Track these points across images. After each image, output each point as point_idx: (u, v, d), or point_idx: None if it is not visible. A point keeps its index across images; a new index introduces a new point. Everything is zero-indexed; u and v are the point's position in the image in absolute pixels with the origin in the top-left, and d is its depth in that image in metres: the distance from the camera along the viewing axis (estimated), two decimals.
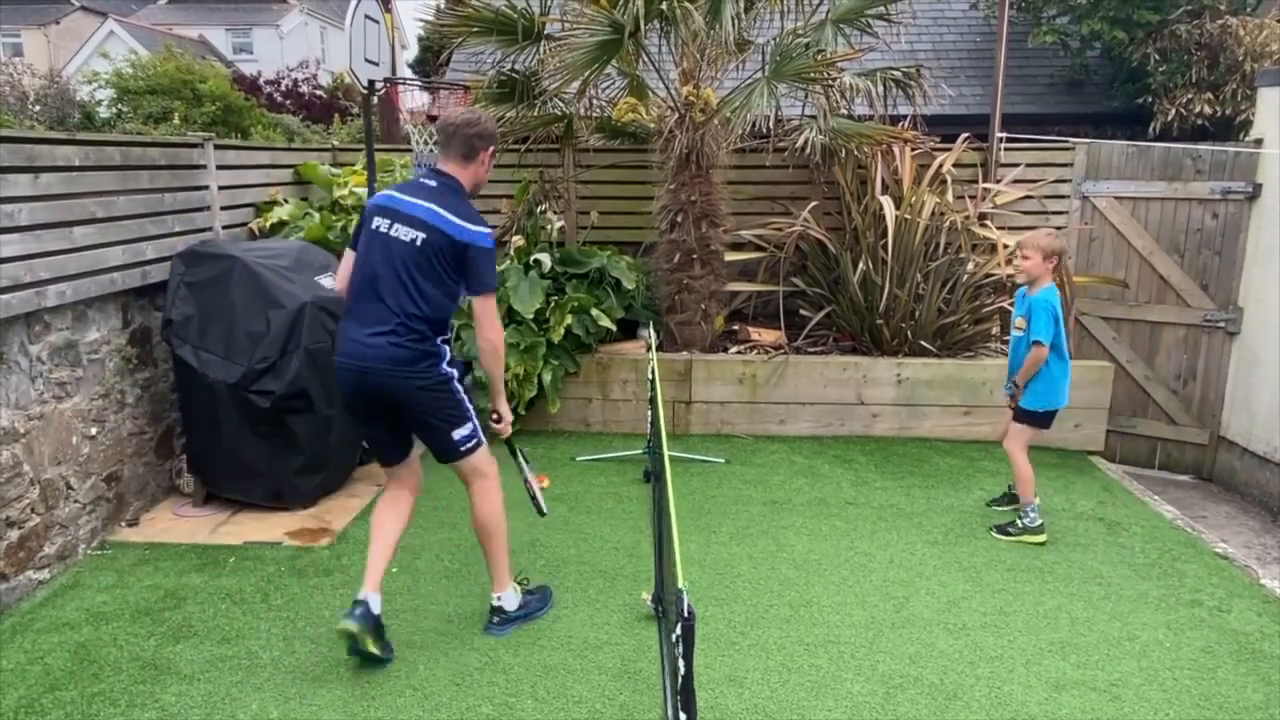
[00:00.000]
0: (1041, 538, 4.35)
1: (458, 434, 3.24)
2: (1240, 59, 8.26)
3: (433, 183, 3.20)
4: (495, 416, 3.45)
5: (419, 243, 3.08)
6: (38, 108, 13.60)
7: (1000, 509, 4.69)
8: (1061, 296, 6.06)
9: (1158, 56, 8.57)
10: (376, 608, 3.18)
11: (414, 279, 3.08)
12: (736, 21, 5.29)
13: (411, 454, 3.43)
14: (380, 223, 3.15)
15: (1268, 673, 3.29)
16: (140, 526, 4.38)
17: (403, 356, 3.09)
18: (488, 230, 3.16)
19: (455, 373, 3.23)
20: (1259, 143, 5.98)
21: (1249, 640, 3.51)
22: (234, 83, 13.89)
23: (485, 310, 3.18)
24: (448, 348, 3.23)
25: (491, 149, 3.30)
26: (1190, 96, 8.41)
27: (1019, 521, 4.42)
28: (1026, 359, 4.31)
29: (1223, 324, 6.15)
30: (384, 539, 3.31)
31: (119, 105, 12.95)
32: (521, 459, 3.78)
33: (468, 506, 3.46)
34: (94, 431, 4.15)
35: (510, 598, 3.51)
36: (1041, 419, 4.42)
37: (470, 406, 3.29)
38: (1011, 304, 5.89)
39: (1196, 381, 6.34)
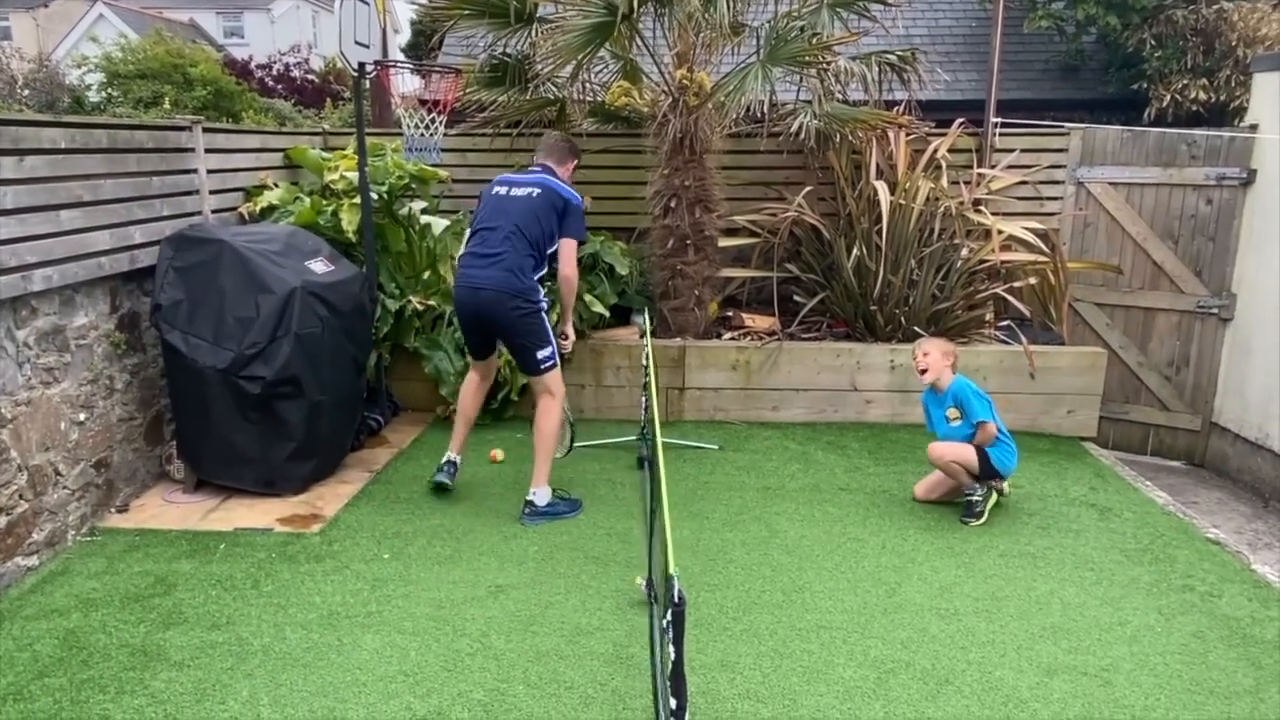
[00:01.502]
0: (994, 499, 4.49)
1: (540, 354, 4.17)
2: (1234, 44, 8.24)
3: (538, 168, 4.38)
4: (564, 335, 4.45)
5: (534, 196, 4.15)
6: (26, 92, 13.48)
7: (972, 522, 4.42)
8: (1055, 282, 6.09)
9: (1153, 42, 8.54)
10: (458, 464, 4.53)
11: (525, 226, 4.09)
12: (731, 4, 5.24)
13: (492, 355, 4.49)
14: (500, 190, 4.25)
15: (1258, 657, 3.30)
16: (130, 513, 4.36)
17: (509, 284, 4.05)
18: (580, 197, 4.29)
19: (545, 305, 4.18)
20: (1254, 128, 5.96)
21: (1239, 625, 3.52)
22: (225, 67, 13.77)
23: (569, 250, 4.21)
24: (541, 287, 4.18)
25: (575, 161, 4.57)
26: (1185, 82, 8.39)
27: (974, 500, 4.42)
28: (977, 439, 4.41)
29: (1216, 310, 6.16)
30: (466, 414, 4.51)
31: (109, 89, 12.84)
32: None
33: (460, 495, 4.34)
34: (82, 417, 4.12)
35: (543, 494, 4.29)
36: (995, 475, 4.48)
37: (552, 335, 4.23)
38: (1006, 291, 5.92)
39: (1189, 368, 6.35)
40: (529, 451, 5.16)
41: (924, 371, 4.54)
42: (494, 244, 4.09)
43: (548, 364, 4.20)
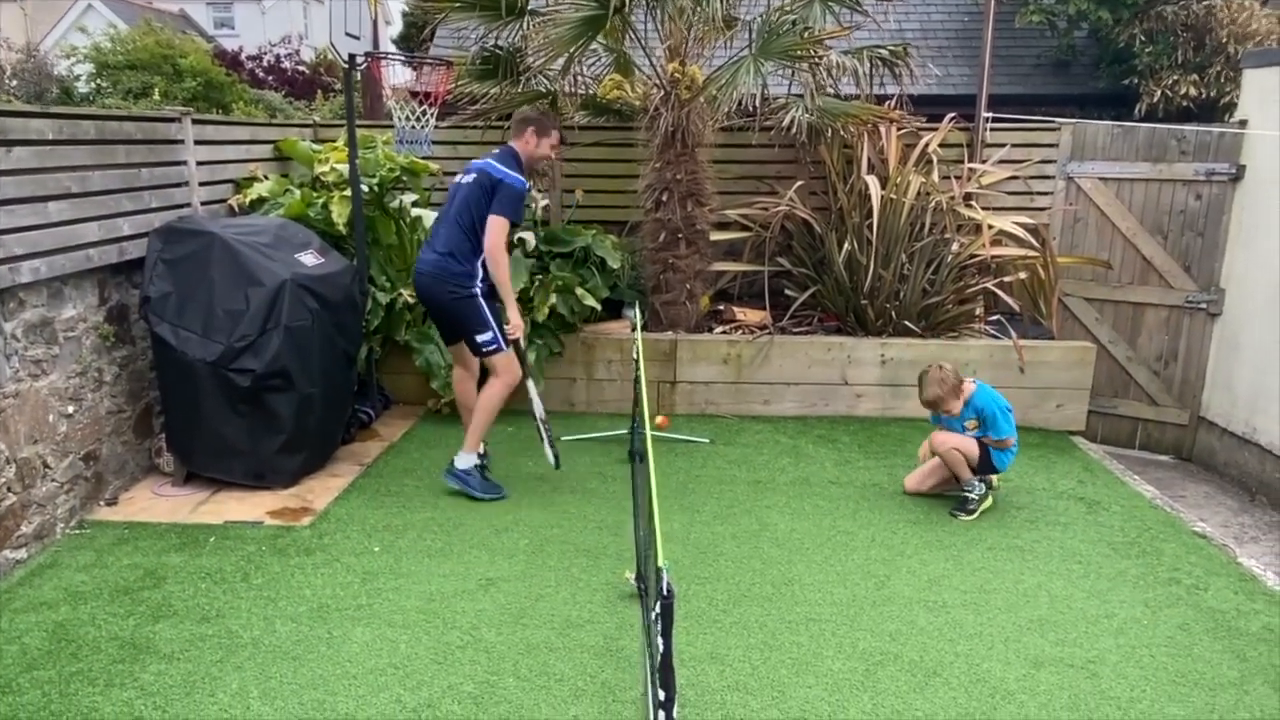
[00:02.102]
0: (989, 501, 4.49)
1: (480, 337, 4.28)
2: (1224, 40, 8.26)
3: (496, 150, 4.37)
4: (507, 321, 4.30)
5: (471, 181, 4.23)
6: (14, 83, 13.35)
7: (962, 517, 4.44)
8: (1045, 277, 6.12)
9: (1144, 37, 8.56)
10: (480, 457, 4.57)
11: (460, 213, 4.20)
12: None
13: (461, 344, 4.49)
14: (458, 179, 4.35)
15: (1243, 650, 3.32)
16: (119, 506, 4.35)
17: (442, 268, 4.20)
18: (522, 178, 4.21)
19: (479, 290, 4.23)
20: (1243, 124, 5.99)
21: (1225, 618, 3.55)
22: (215, 58, 13.68)
23: (492, 226, 4.15)
24: (479, 271, 4.23)
25: (530, 129, 4.33)
26: (1176, 78, 8.41)
27: (970, 497, 4.43)
28: (992, 445, 4.45)
29: (1204, 305, 6.19)
30: (466, 406, 4.61)
31: (98, 80, 12.73)
32: (532, 388, 4.54)
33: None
34: (71, 410, 4.10)
35: (464, 459, 4.48)
36: (992, 470, 4.50)
37: (491, 319, 4.27)
38: (996, 285, 5.94)
39: (1178, 362, 6.39)
40: (518, 445, 5.16)
41: (944, 412, 4.51)
42: (436, 232, 4.34)
43: (489, 347, 4.30)
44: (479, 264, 4.22)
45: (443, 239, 4.23)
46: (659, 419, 5.57)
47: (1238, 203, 6.01)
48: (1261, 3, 8.53)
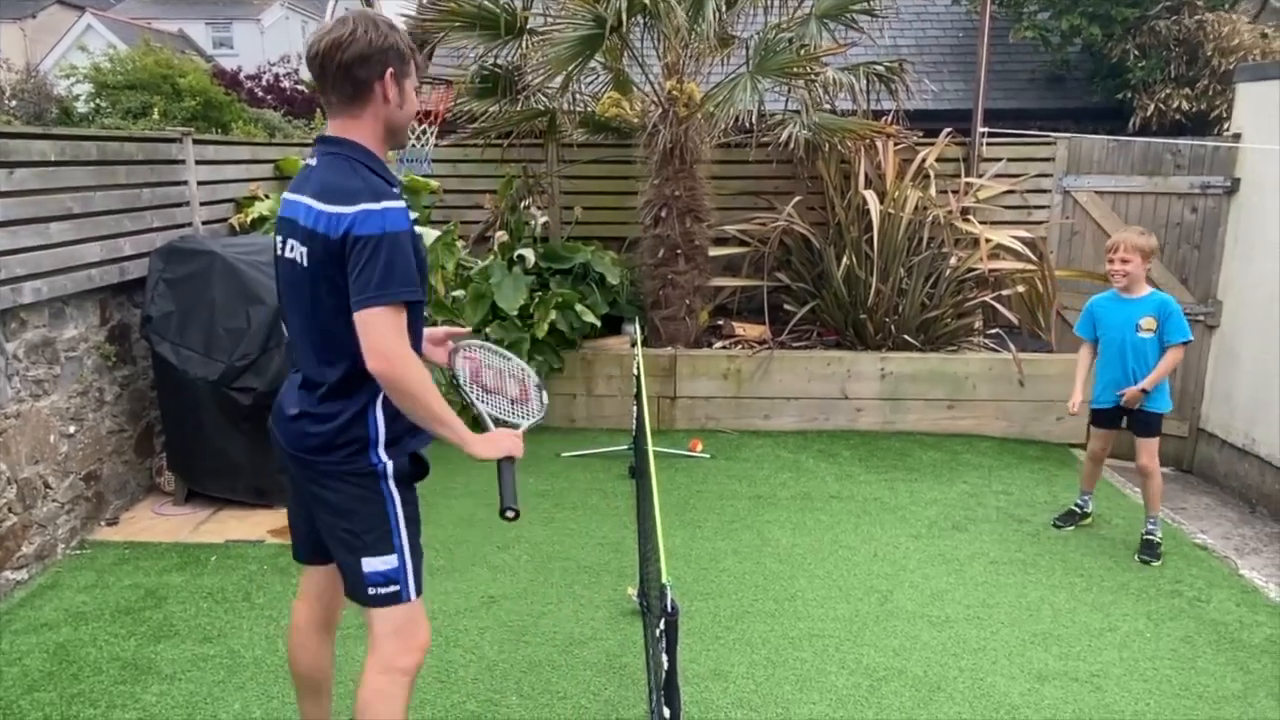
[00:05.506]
0: (1159, 561, 4.14)
1: (369, 565, 2.10)
2: (1210, 54, 8.33)
3: (313, 161, 2.09)
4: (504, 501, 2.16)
5: (304, 261, 2.01)
6: (14, 103, 13.40)
7: (1065, 528, 4.46)
8: (1043, 290, 6.13)
9: (1137, 52, 8.62)
10: None
11: (317, 317, 2.03)
12: (719, 16, 5.28)
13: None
14: (278, 243, 2.13)
15: (1246, 662, 3.32)
16: (120, 525, 4.34)
17: (313, 439, 2.08)
18: (381, 205, 1.93)
19: (389, 465, 2.10)
20: (1237, 138, 6.03)
21: (1228, 630, 3.55)
22: (214, 78, 13.74)
23: (371, 326, 1.92)
24: (381, 421, 2.08)
25: (390, 70, 2.02)
26: (1169, 92, 8.46)
27: (1154, 539, 4.18)
28: (1167, 359, 4.06)
29: (1202, 318, 6.20)
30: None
31: (97, 100, 12.78)
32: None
33: (449, 498, 3.35)
34: (72, 430, 4.10)
35: None
36: (1162, 424, 4.24)
37: (404, 530, 2.13)
38: (994, 299, 5.95)
39: (1176, 374, 6.37)
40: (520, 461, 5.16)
41: (1124, 275, 4.13)
42: (295, 369, 2.32)
43: (382, 588, 2.16)
44: (371, 403, 2.09)
45: (299, 373, 2.16)
46: (692, 442, 5.53)
47: (1233, 215, 6.04)
48: (1250, 19, 8.61)
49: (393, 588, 2.12)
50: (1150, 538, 4.18)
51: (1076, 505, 4.53)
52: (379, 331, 1.92)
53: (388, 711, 2.16)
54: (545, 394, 2.59)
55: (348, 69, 1.99)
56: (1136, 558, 4.15)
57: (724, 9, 5.67)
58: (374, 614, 2.14)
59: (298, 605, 2.40)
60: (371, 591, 2.11)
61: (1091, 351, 4.35)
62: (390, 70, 2.02)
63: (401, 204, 2.00)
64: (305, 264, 2.01)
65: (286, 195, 2.12)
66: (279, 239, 2.12)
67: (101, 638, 3.34)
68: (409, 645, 2.17)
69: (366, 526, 2.10)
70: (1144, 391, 4.10)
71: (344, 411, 2.07)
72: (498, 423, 2.35)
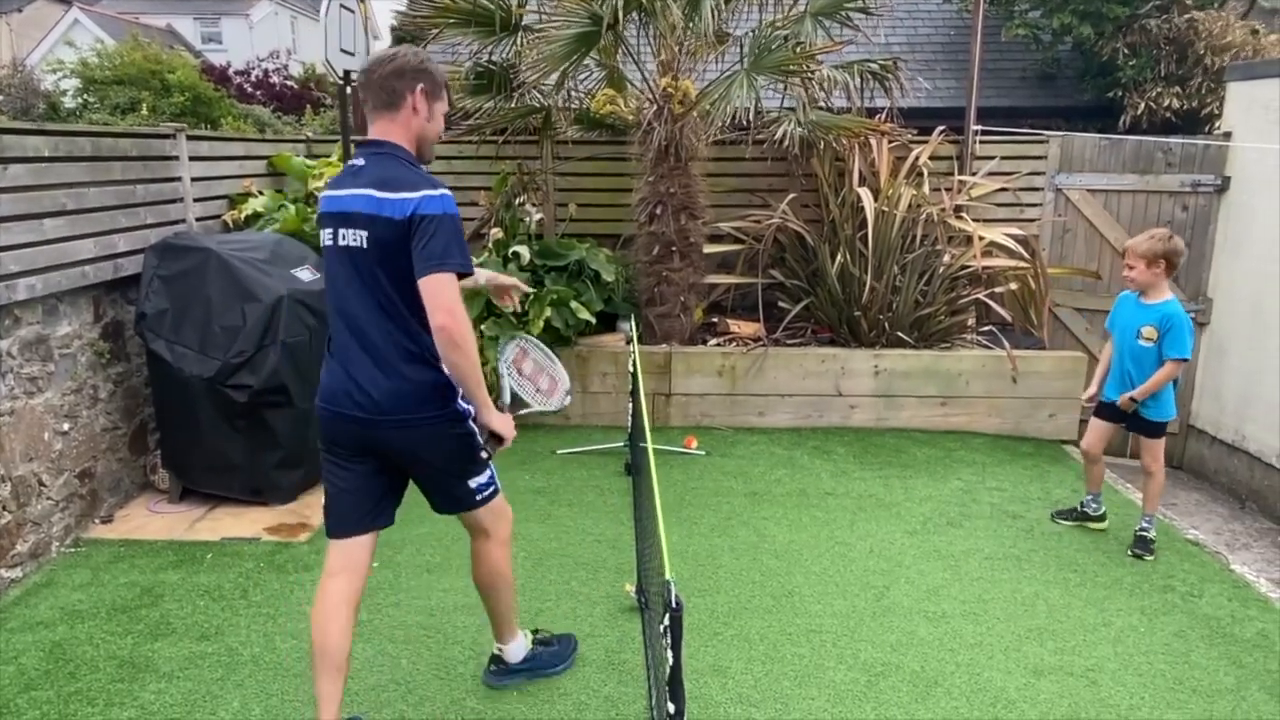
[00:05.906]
0: (1152, 557, 4.17)
1: (475, 482, 2.71)
2: (1202, 53, 8.39)
3: (360, 161, 2.48)
4: (486, 441, 2.63)
5: (366, 244, 2.40)
6: (1, 98, 13.29)
7: (1065, 523, 4.50)
8: (1036, 287, 6.16)
9: (1127, 51, 8.68)
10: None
11: (386, 293, 2.42)
12: (715, 14, 5.28)
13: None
14: (326, 235, 2.50)
15: (1238, 656, 3.35)
16: (115, 523, 4.32)
17: (409, 399, 2.49)
18: (439, 192, 2.37)
19: (470, 409, 2.59)
20: (1228, 136, 6.08)
21: (1220, 624, 3.58)
22: (203, 73, 13.65)
23: (437, 288, 2.32)
24: (453, 378, 2.54)
25: (421, 86, 2.47)
26: (1159, 90, 8.53)
27: (1148, 535, 4.22)
28: (1161, 373, 4.05)
29: (1193, 315, 6.26)
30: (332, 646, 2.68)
31: (85, 95, 12.68)
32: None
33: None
34: (66, 427, 4.08)
35: (516, 649, 3.08)
36: (1165, 429, 4.27)
37: (484, 450, 2.67)
38: (988, 296, 5.98)
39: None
40: (516, 458, 5.15)
41: (1131, 281, 4.14)
42: (363, 340, 2.71)
43: (486, 491, 2.90)
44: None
45: (372, 344, 2.49)
46: (686, 439, 5.54)
47: (1223, 213, 6.10)
48: (1240, 16, 8.68)
49: (491, 489, 2.78)
50: (1144, 534, 4.21)
51: (1090, 509, 4.49)
52: (443, 293, 2.34)
53: (508, 569, 2.94)
54: (570, 399, 3.18)
55: (386, 79, 2.45)
56: (1130, 553, 4.18)
57: (721, 6, 5.68)
58: (481, 511, 2.78)
59: (329, 583, 2.65)
60: (480, 497, 2.75)
61: (1113, 346, 4.35)
62: (422, 86, 2.48)
63: (451, 194, 2.41)
64: (365, 246, 2.40)
65: (331, 193, 2.51)
66: (328, 231, 2.49)
67: (98, 636, 3.33)
68: (506, 517, 2.89)
69: (468, 458, 2.65)
70: (1134, 400, 4.12)
71: (431, 370, 2.51)
72: (514, 400, 2.98)
